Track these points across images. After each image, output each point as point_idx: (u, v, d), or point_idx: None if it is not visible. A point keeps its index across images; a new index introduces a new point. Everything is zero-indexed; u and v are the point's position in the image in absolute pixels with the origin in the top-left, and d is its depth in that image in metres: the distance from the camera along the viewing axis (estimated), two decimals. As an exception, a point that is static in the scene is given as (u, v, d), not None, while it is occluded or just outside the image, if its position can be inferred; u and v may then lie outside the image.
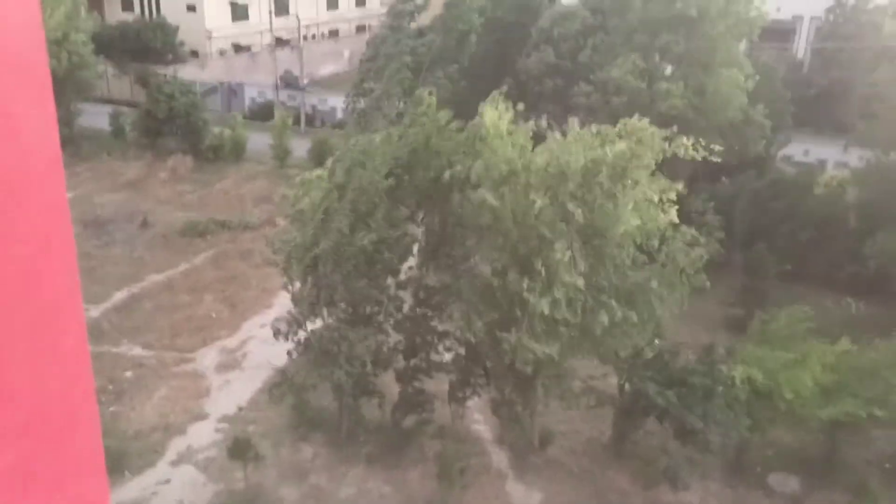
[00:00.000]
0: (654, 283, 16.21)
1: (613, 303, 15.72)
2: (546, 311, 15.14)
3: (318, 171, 18.94)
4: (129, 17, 58.61)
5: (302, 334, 18.36)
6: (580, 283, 15.20)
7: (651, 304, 16.31)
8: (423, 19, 33.91)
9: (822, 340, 18.50)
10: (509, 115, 16.80)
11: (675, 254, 16.50)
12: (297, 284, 18.30)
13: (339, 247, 17.02)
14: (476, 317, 16.48)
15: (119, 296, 26.15)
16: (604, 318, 15.58)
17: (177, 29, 56.67)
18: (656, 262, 16.71)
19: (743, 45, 29.75)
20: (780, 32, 40.16)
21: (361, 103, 32.57)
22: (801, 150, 36.15)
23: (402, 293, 18.52)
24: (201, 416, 20.22)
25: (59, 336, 1.38)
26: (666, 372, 18.09)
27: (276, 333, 18.72)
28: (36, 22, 1.32)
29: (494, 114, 16.60)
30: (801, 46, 48.46)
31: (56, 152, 1.42)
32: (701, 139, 15.67)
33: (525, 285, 15.26)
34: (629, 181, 15.42)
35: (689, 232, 16.72)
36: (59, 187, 1.43)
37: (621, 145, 15.21)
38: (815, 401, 17.49)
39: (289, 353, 18.71)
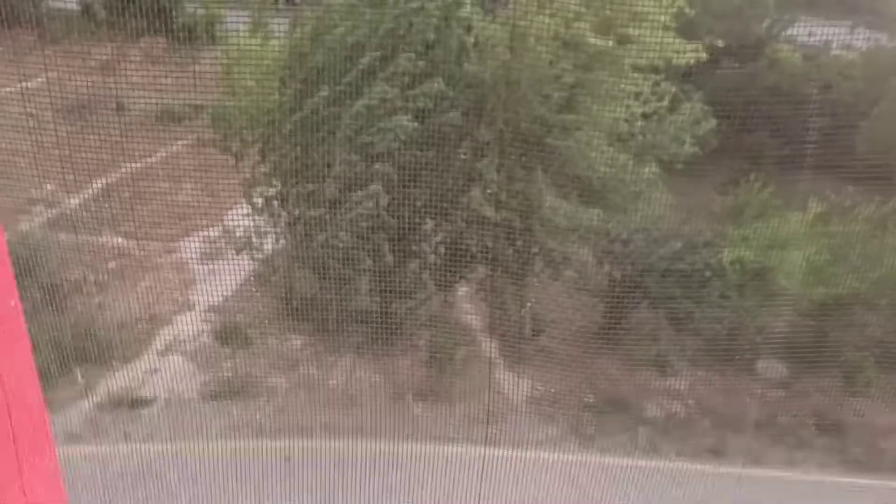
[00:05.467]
0: None
1: None
2: None
3: None
4: None
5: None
6: None
7: None
8: None
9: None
10: None
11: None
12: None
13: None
14: None
15: (96, 184, 25.25)
16: None
17: None
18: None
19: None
20: None
21: None
22: (804, 30, 34.69)
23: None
24: (187, 307, 19.87)
25: None
26: (656, 257, 17.75)
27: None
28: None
29: None
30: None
31: None
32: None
33: None
34: None
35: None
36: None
37: None
38: (806, 280, 17.23)
39: None
